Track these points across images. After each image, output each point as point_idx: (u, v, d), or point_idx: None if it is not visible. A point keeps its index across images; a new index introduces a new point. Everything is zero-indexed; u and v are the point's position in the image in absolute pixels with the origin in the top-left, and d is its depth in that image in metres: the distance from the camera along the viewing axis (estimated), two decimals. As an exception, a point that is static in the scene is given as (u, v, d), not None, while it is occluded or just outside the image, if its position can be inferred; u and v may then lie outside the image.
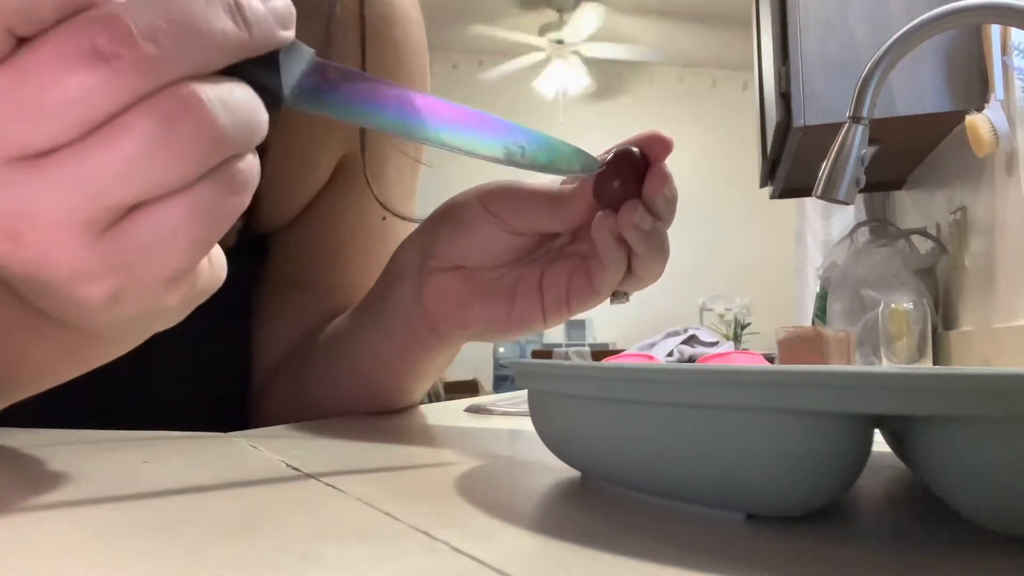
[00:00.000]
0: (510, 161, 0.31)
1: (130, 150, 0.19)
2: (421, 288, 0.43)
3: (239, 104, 0.21)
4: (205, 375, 0.53)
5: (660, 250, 0.39)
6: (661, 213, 0.38)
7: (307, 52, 0.24)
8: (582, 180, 0.39)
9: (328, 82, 0.25)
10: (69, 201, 0.19)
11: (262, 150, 0.51)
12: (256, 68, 0.22)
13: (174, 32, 0.19)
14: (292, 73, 0.24)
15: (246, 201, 0.22)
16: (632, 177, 0.37)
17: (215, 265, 0.26)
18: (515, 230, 0.41)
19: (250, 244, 0.54)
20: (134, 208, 0.20)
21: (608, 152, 0.38)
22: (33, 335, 0.27)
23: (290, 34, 0.23)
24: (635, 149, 0.38)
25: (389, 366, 0.47)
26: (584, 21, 4.69)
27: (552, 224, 0.40)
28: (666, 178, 0.37)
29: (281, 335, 0.55)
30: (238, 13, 0.21)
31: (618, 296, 0.41)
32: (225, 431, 0.40)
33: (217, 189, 0.21)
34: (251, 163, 0.22)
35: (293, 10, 0.23)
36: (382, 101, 0.26)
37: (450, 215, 0.43)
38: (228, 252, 0.54)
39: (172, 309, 0.25)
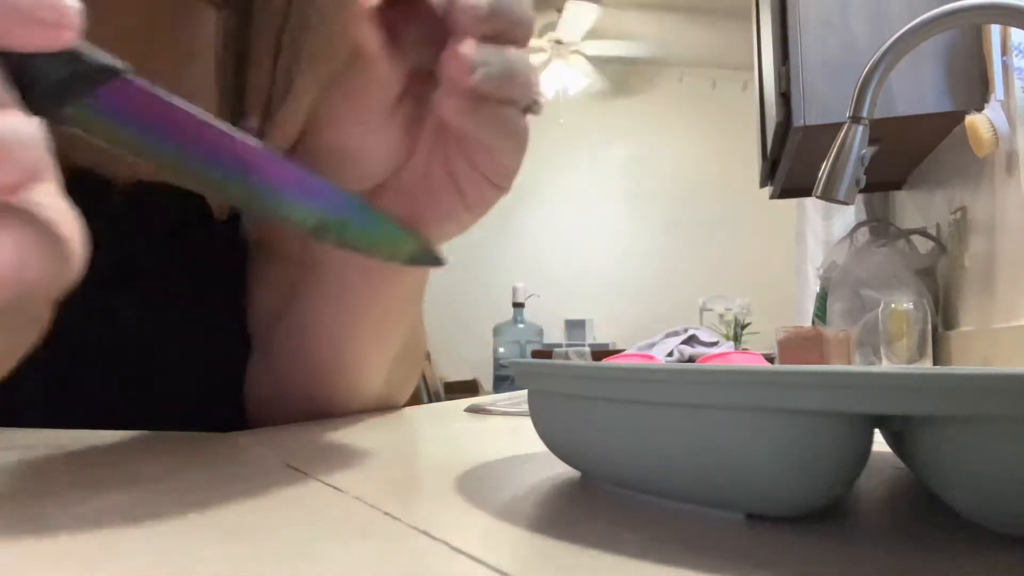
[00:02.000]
0: (320, 234, 0.27)
1: None
2: None
3: None
4: (207, 372, 0.52)
5: (509, 67, 0.30)
6: (500, 29, 0.29)
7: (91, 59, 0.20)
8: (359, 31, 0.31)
9: (104, 101, 0.21)
10: None
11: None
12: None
13: None
14: (48, 78, 0.20)
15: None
16: (428, 21, 0.29)
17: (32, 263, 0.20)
18: (378, 122, 0.33)
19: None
20: None
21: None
22: None
23: (65, 34, 0.19)
24: None
25: (358, 317, 0.42)
26: (576, 18, 4.69)
27: (395, 89, 0.33)
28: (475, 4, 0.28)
29: (264, 306, 0.51)
30: None
31: (532, 108, 0.33)
32: (227, 428, 0.40)
33: None
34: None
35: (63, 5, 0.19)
36: (171, 132, 0.22)
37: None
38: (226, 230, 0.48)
39: None
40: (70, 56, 0.20)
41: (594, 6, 4.61)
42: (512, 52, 0.30)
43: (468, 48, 0.28)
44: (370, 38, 0.30)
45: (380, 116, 0.33)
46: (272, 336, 0.47)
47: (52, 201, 0.21)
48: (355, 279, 0.40)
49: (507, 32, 0.30)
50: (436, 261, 0.32)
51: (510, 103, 0.31)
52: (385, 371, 0.49)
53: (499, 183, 0.34)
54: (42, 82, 0.20)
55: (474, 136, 0.32)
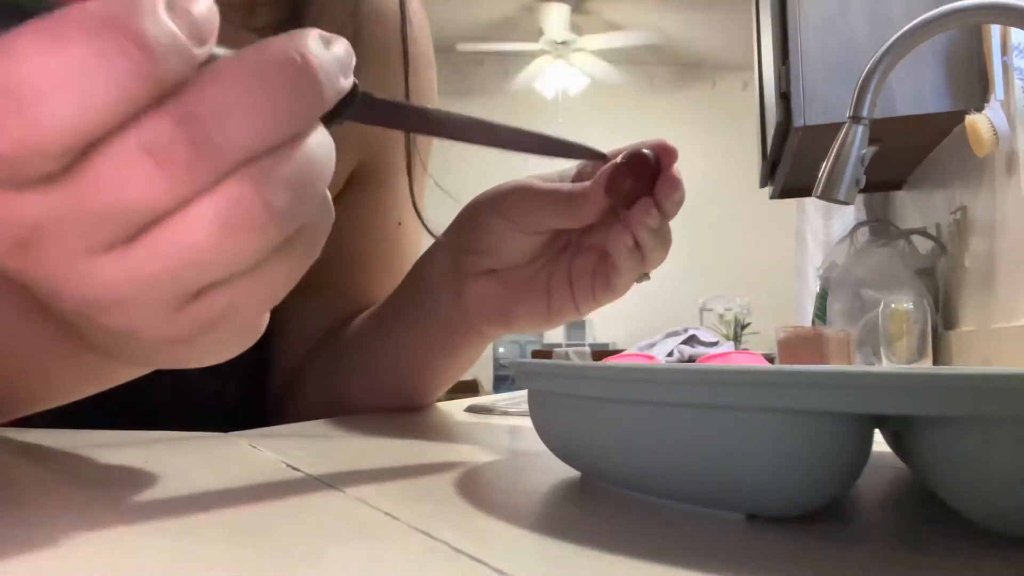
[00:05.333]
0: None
1: (187, 250, 0.19)
2: (460, 295, 0.46)
3: (303, 173, 0.20)
4: (220, 374, 0.53)
5: (665, 242, 0.42)
6: (670, 213, 0.41)
7: (358, 92, 0.23)
8: (593, 180, 0.41)
9: (374, 118, 0.25)
10: (143, 291, 0.20)
11: None
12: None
13: (235, 124, 0.18)
14: (341, 112, 0.23)
15: (315, 255, 0.22)
16: (644, 178, 0.40)
17: None
18: (532, 231, 0.43)
19: None
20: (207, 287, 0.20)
21: (621, 153, 0.40)
22: (60, 357, 0.27)
23: (352, 79, 0.22)
24: (648, 152, 0.40)
25: (433, 364, 0.51)
26: (554, 19, 4.74)
27: (567, 223, 0.42)
28: (678, 184, 0.40)
29: (301, 337, 0.57)
30: (310, 78, 0.19)
31: (640, 278, 0.43)
32: (235, 430, 0.40)
33: (282, 257, 0.21)
34: (320, 214, 0.22)
35: (352, 53, 0.22)
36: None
37: (470, 223, 0.45)
38: None
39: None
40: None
41: (564, 6, 4.67)
42: (669, 227, 0.41)
43: (653, 220, 0.39)
44: (596, 203, 0.40)
45: (539, 229, 0.43)
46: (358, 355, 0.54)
47: None
48: (465, 328, 0.47)
49: (675, 212, 0.41)
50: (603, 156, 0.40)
51: (644, 272, 0.42)
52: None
53: (583, 311, 0.44)
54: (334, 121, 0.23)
55: (613, 274, 0.42)
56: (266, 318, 0.25)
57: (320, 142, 0.21)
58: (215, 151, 0.18)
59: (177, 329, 0.21)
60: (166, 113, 0.18)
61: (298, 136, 0.20)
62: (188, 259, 0.19)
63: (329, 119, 0.22)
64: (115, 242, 0.19)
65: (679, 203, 0.40)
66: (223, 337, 0.23)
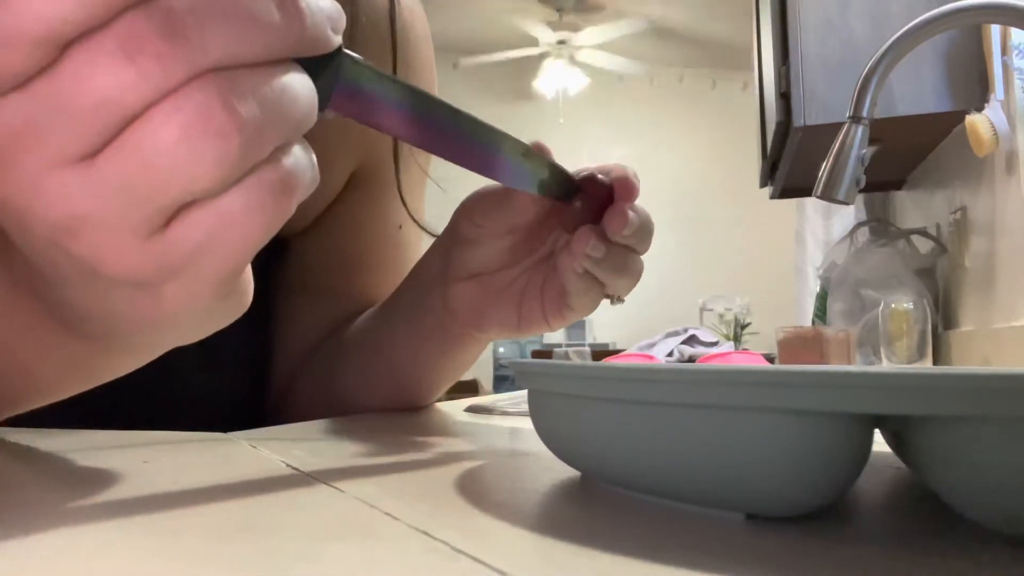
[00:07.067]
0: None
1: (150, 154, 0.19)
2: (447, 298, 0.46)
3: (275, 97, 0.20)
4: (219, 374, 0.53)
5: (626, 272, 0.41)
6: (638, 248, 0.40)
7: (347, 56, 0.23)
8: None
9: (365, 94, 0.24)
10: (109, 206, 0.19)
11: None
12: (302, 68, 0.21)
13: (211, 25, 0.18)
14: (329, 78, 0.23)
15: (291, 203, 0.21)
16: (594, 204, 0.38)
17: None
18: (496, 234, 0.43)
19: (266, 247, 0.55)
20: (180, 212, 0.20)
21: (578, 173, 0.39)
22: (43, 350, 0.27)
23: (339, 38, 0.22)
24: (603, 177, 0.39)
25: (430, 366, 0.51)
26: (542, 23, 4.79)
27: (512, 217, 0.42)
28: (625, 220, 0.38)
29: (301, 338, 0.57)
30: (292, 5, 0.20)
31: (612, 300, 0.43)
32: (235, 430, 0.40)
33: (254, 192, 0.20)
34: (296, 159, 0.21)
35: (343, 13, 0.22)
36: (413, 116, 0.26)
37: (452, 230, 0.46)
38: None
39: (192, 325, 0.24)
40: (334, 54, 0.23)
41: (551, 11, 4.75)
42: (635, 257, 0.41)
43: (595, 250, 0.39)
44: (528, 212, 0.41)
45: (507, 232, 0.43)
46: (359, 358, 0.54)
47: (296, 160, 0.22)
48: (457, 330, 0.48)
49: (639, 245, 0.41)
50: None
51: (610, 291, 0.42)
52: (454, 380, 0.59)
53: (553, 325, 0.44)
54: (327, 80, 0.23)
55: (565, 295, 0.42)
56: (248, 289, 0.25)
57: (298, 80, 0.21)
58: (187, 47, 0.18)
59: (144, 262, 0.20)
60: (142, 9, 0.18)
61: (275, 65, 0.20)
62: (151, 164, 0.19)
63: (315, 74, 0.22)
64: (84, 151, 0.19)
65: (645, 238, 0.40)
66: (194, 288, 0.22)
